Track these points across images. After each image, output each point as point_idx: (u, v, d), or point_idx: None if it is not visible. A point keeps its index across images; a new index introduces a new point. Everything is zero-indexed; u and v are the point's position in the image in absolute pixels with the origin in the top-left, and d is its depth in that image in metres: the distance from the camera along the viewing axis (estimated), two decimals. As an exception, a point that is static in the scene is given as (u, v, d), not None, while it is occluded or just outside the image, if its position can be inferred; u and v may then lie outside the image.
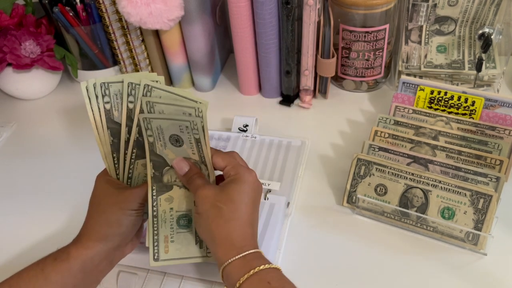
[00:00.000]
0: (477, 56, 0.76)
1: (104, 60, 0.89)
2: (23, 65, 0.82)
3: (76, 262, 0.47)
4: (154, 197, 0.49)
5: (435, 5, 0.75)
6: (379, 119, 0.66)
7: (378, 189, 0.59)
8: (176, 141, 0.48)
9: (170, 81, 0.89)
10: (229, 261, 0.44)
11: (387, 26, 0.75)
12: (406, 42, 0.78)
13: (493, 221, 0.53)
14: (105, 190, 0.50)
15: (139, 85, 0.47)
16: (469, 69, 0.76)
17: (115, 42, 0.82)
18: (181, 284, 0.55)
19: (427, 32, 0.77)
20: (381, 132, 0.64)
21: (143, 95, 0.47)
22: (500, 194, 0.55)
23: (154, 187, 0.49)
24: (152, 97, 0.47)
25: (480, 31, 0.74)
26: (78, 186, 0.71)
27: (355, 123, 0.77)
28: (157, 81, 0.48)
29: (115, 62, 0.88)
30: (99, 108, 0.48)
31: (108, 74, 0.90)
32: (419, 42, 0.77)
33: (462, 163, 0.59)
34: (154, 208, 0.49)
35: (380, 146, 0.61)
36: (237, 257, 0.44)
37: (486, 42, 0.72)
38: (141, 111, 0.47)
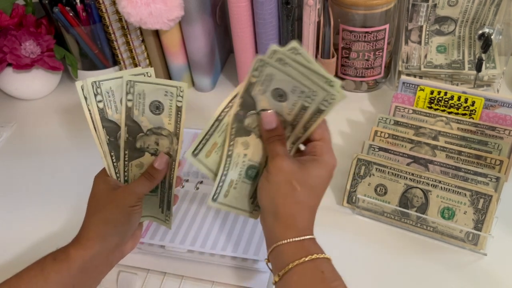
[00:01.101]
0: (477, 56, 0.76)
1: (104, 60, 0.89)
2: (23, 65, 0.82)
3: (75, 263, 0.47)
4: (232, 136, 0.47)
5: (435, 5, 0.75)
6: (379, 119, 0.66)
7: (378, 189, 0.59)
8: (280, 95, 0.45)
9: (170, 81, 0.89)
10: (287, 240, 0.42)
11: (387, 26, 0.75)
12: (406, 42, 0.78)
13: (493, 221, 0.53)
14: (102, 190, 0.50)
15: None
16: (469, 69, 0.76)
17: (115, 42, 0.82)
18: (181, 284, 0.55)
19: (427, 32, 0.77)
20: (381, 132, 0.64)
21: (126, 93, 0.47)
22: (500, 194, 0.55)
23: (234, 126, 0.46)
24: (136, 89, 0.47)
25: (480, 31, 0.74)
26: (78, 185, 0.71)
27: (355, 123, 0.77)
28: (147, 73, 0.48)
29: (115, 62, 0.88)
30: (94, 107, 0.48)
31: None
32: (419, 42, 0.77)
33: (462, 163, 0.59)
34: (230, 148, 0.47)
35: (380, 146, 0.61)
36: (296, 239, 0.43)
37: (486, 42, 0.73)
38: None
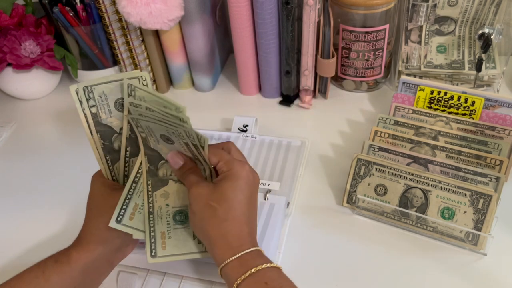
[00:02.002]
0: (477, 56, 0.76)
1: (104, 60, 0.89)
2: (23, 65, 0.82)
3: (77, 265, 0.47)
4: (150, 193, 0.49)
5: (435, 5, 0.75)
6: (379, 119, 0.66)
7: (378, 189, 0.59)
8: (167, 139, 0.47)
9: (170, 81, 0.89)
10: (226, 262, 0.44)
11: (387, 26, 0.75)
12: (406, 42, 0.78)
13: (493, 221, 0.53)
14: (101, 192, 0.50)
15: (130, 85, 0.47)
16: (469, 69, 0.76)
17: (115, 42, 0.82)
18: (181, 284, 0.55)
19: (427, 32, 0.77)
20: (381, 132, 0.64)
21: (128, 95, 0.47)
22: (500, 194, 0.55)
23: (149, 182, 0.49)
24: (136, 99, 0.47)
25: (480, 31, 0.74)
26: (78, 185, 0.70)
27: (355, 123, 0.77)
28: (141, 77, 0.48)
29: (115, 62, 0.88)
30: (87, 112, 0.48)
31: (108, 74, 0.90)
32: (419, 42, 0.77)
33: (462, 163, 0.59)
34: (150, 205, 0.49)
35: (380, 146, 0.61)
36: (233, 257, 0.44)
37: (486, 42, 0.73)
38: (129, 112, 0.47)
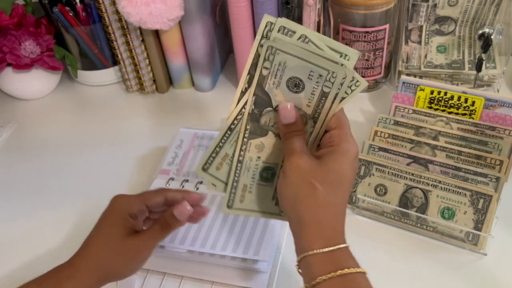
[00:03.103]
0: (477, 56, 0.76)
1: (104, 60, 0.89)
2: (23, 65, 0.82)
3: None
4: (245, 139, 0.44)
5: (435, 5, 0.75)
6: (379, 119, 0.66)
7: (378, 189, 0.59)
8: (295, 85, 0.42)
9: (170, 81, 0.89)
10: (315, 251, 0.38)
11: (387, 26, 0.75)
12: (406, 42, 0.78)
13: (493, 221, 0.53)
14: (117, 227, 0.45)
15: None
16: (469, 69, 0.76)
17: (115, 42, 0.82)
18: (181, 284, 0.55)
19: (427, 32, 0.77)
20: (381, 132, 0.64)
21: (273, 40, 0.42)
22: (500, 194, 0.55)
23: (248, 127, 0.44)
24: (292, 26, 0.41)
25: (480, 31, 0.74)
26: (78, 186, 0.71)
27: (355, 123, 0.76)
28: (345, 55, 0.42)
29: (115, 62, 0.88)
30: (257, 70, 0.43)
31: (107, 74, 0.90)
32: (419, 42, 0.77)
33: (462, 163, 0.58)
34: (241, 153, 0.44)
35: (380, 146, 0.61)
36: (324, 250, 0.38)
37: (486, 42, 0.72)
38: (267, 38, 0.42)
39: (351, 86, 0.41)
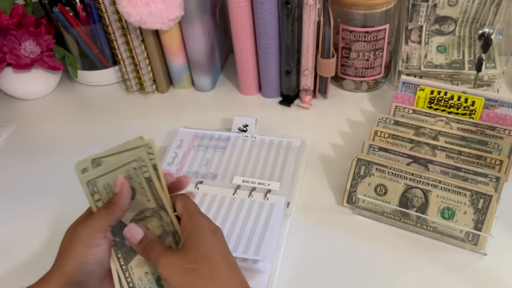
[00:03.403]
0: (477, 56, 0.76)
1: (104, 60, 0.89)
2: (23, 65, 0.82)
3: None
4: (124, 267, 0.44)
5: (435, 5, 0.75)
6: (379, 119, 0.66)
7: (378, 189, 0.59)
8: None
9: (170, 81, 0.89)
10: None
11: (387, 26, 0.75)
12: (406, 42, 0.78)
13: (493, 221, 0.53)
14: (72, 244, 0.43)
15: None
16: (469, 69, 0.76)
17: (115, 42, 0.82)
18: (181, 284, 0.55)
19: (427, 32, 0.77)
20: (381, 132, 0.64)
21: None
22: (500, 194, 0.55)
23: (119, 255, 0.43)
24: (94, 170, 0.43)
25: (480, 31, 0.74)
26: (78, 186, 0.71)
27: (355, 123, 0.77)
28: (147, 145, 0.43)
29: (115, 62, 0.88)
30: (93, 206, 0.44)
31: (108, 74, 0.90)
32: (419, 42, 0.77)
33: (462, 163, 0.59)
34: (129, 280, 0.43)
35: (380, 146, 0.61)
36: None
37: (486, 42, 0.73)
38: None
39: (149, 152, 0.42)
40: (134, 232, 0.43)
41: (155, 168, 0.42)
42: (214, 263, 0.40)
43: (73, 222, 0.45)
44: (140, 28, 0.80)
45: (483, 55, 0.73)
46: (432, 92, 0.67)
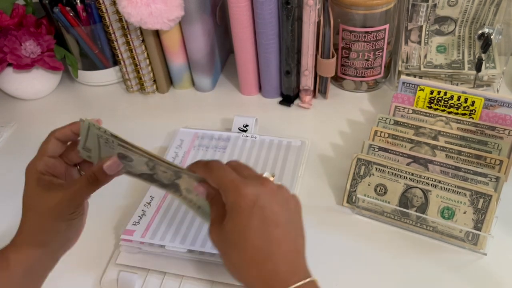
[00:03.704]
0: (476, 56, 0.76)
1: (104, 60, 0.89)
2: (23, 65, 0.83)
3: (16, 270, 0.44)
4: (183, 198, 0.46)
5: (434, 5, 0.75)
6: (379, 119, 0.66)
7: (378, 189, 0.59)
8: (124, 157, 0.44)
9: (170, 81, 0.90)
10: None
11: (387, 26, 0.75)
12: (406, 42, 0.78)
13: (492, 221, 0.53)
14: (36, 192, 0.44)
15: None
16: (469, 69, 0.76)
17: (115, 42, 0.82)
18: (181, 284, 0.55)
19: (427, 32, 0.77)
20: (381, 132, 0.64)
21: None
22: (500, 194, 0.55)
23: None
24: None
25: (480, 31, 0.74)
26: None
27: (355, 123, 0.77)
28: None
29: (115, 62, 0.88)
30: None
31: (108, 74, 0.91)
32: (419, 42, 0.78)
33: (461, 163, 0.59)
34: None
35: (380, 146, 0.61)
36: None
37: (485, 42, 0.73)
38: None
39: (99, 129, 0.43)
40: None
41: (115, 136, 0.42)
42: (242, 252, 0.39)
43: (32, 167, 0.46)
44: (140, 28, 0.80)
45: (483, 55, 0.74)
46: (432, 92, 0.67)
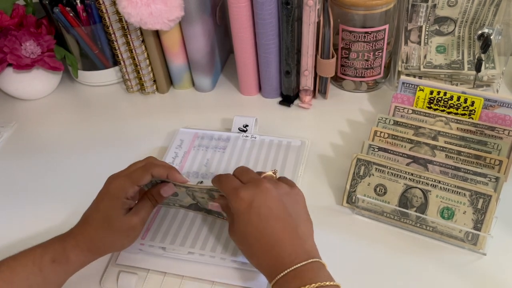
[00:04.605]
0: (476, 57, 0.76)
1: (104, 61, 0.89)
2: (23, 66, 0.83)
3: (74, 267, 0.50)
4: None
5: (434, 6, 0.75)
6: (378, 119, 0.66)
7: (378, 189, 0.59)
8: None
9: (170, 81, 0.90)
10: (279, 276, 0.44)
11: (386, 26, 0.75)
12: (406, 43, 0.78)
13: (492, 221, 0.54)
14: (118, 213, 0.50)
15: None
16: (469, 70, 0.76)
17: (115, 43, 0.82)
18: (181, 284, 0.55)
19: (427, 33, 0.77)
20: (381, 132, 0.64)
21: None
22: (499, 194, 0.55)
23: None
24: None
25: (480, 32, 0.74)
26: (78, 186, 0.71)
27: (354, 123, 0.77)
28: None
29: (115, 62, 0.88)
30: None
31: (108, 74, 0.91)
32: (419, 43, 0.78)
33: (461, 163, 0.59)
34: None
35: (379, 146, 0.61)
36: (286, 271, 0.44)
37: (485, 43, 0.73)
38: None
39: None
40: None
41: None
42: (250, 246, 0.47)
43: (117, 182, 0.53)
44: (140, 29, 0.81)
45: (483, 56, 0.74)
46: (431, 93, 0.67)
